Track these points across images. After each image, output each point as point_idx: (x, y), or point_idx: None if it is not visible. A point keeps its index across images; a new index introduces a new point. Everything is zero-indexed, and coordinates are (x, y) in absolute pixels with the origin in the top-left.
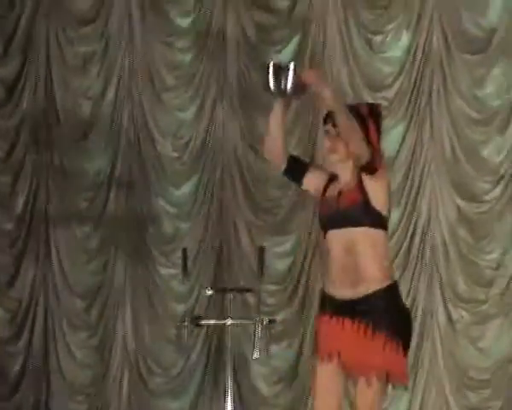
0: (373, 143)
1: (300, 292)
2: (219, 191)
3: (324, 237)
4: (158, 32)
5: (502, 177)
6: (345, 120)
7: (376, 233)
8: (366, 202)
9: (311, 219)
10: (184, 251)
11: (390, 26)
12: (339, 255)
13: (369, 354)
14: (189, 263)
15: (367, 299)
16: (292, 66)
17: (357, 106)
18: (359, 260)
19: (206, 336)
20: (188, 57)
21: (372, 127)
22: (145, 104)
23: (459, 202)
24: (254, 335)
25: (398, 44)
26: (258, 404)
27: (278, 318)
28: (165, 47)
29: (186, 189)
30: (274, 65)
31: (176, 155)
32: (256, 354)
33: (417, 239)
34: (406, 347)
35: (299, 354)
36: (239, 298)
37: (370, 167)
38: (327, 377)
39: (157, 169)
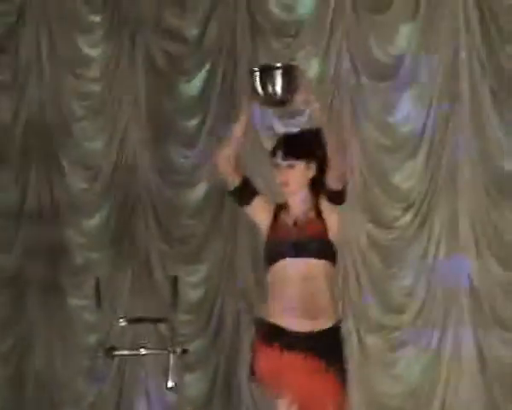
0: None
1: (214, 321)
2: (131, 221)
3: (270, 265)
4: (67, 62)
5: (412, 203)
6: (334, 136)
7: (331, 268)
8: (326, 234)
9: (224, 247)
10: (97, 281)
11: (299, 55)
12: (295, 285)
13: (319, 392)
14: (102, 293)
15: (321, 335)
16: (280, 65)
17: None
18: (317, 292)
19: (119, 366)
20: (97, 87)
21: (323, 154)
22: (55, 135)
23: (370, 228)
24: (168, 365)
25: (308, 72)
26: None
27: (192, 347)
28: (74, 77)
29: (97, 219)
30: (261, 68)
31: (86, 185)
32: (170, 384)
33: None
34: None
35: (213, 383)
36: (152, 328)
37: (339, 196)
38: None
39: (67, 200)
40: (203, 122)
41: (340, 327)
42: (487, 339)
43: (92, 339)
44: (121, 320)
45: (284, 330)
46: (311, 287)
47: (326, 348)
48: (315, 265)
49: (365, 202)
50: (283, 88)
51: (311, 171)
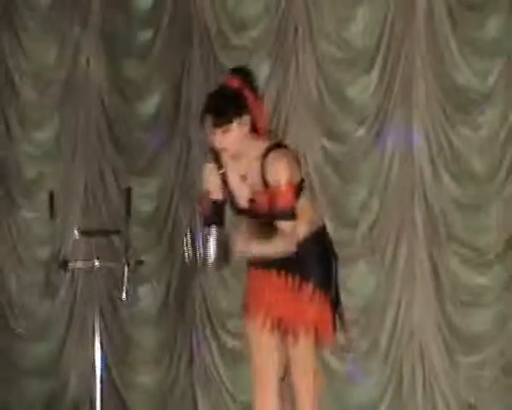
0: (260, 120)
1: (167, 234)
2: (84, 133)
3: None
4: None
5: (367, 117)
6: (277, 248)
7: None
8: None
9: (177, 160)
10: (51, 194)
11: None
12: (256, 231)
13: (295, 309)
14: (54, 206)
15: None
16: (214, 231)
17: (235, 90)
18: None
19: (72, 278)
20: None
21: (252, 99)
22: (5, 47)
23: (325, 142)
24: (122, 277)
25: None
26: (126, 346)
27: (145, 259)
28: None
29: (48, 132)
30: (190, 233)
31: (37, 98)
32: (123, 296)
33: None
34: (334, 301)
35: (167, 295)
36: (106, 241)
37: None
38: (260, 335)
39: (18, 113)
40: (156, 35)
41: (319, 235)
42: (441, 255)
43: (45, 252)
44: (74, 233)
45: None
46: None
47: (301, 262)
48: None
49: (320, 117)
50: (216, 252)
51: (247, 124)
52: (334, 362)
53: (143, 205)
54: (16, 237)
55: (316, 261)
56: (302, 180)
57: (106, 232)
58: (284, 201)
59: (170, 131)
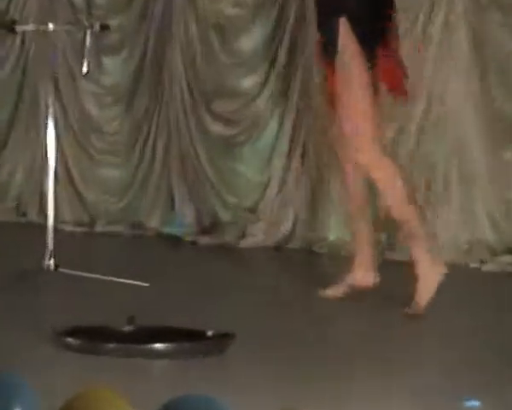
0: None
1: None
2: None
3: None
4: None
5: None
6: None
7: None
8: None
9: None
10: None
11: None
12: None
13: None
14: None
15: None
16: None
17: None
18: None
19: (22, 44)
20: None
21: None
22: None
23: None
24: (83, 44)
25: None
26: (88, 129)
27: (113, 23)
28: None
29: None
30: None
31: None
32: (85, 69)
33: None
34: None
35: (140, 68)
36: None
37: None
38: None
39: None
40: None
41: None
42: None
43: None
44: None
45: None
46: None
47: None
48: None
49: None
50: None
51: None
52: None
53: None
54: None
55: None
56: None
57: None
58: None
59: None
